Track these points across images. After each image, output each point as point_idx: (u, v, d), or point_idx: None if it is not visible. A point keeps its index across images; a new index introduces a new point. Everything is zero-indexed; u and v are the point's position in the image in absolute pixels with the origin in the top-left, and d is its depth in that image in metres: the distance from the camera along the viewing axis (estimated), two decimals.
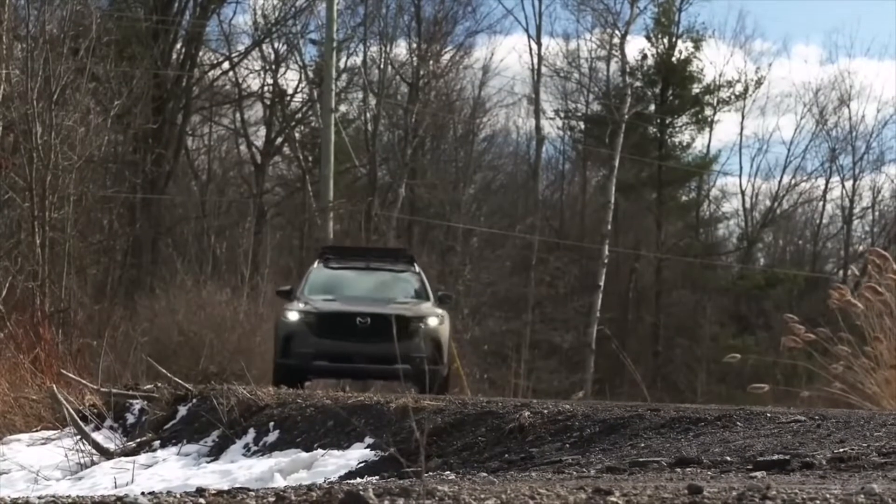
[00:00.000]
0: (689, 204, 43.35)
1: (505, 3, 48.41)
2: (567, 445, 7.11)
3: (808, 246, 44.22)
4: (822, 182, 43.07)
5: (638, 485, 4.51)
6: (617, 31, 40.41)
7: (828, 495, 3.80)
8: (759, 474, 4.91)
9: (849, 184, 42.68)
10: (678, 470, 5.42)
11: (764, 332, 36.74)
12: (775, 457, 5.21)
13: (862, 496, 3.76)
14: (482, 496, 4.03)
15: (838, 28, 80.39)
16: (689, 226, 42.80)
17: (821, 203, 43.39)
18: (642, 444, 6.72)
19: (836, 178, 42.82)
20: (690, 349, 37.23)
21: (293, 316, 15.37)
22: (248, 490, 4.51)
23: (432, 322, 15.27)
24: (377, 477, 6.95)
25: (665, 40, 41.37)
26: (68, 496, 3.83)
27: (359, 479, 7.60)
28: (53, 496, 3.91)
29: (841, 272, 40.22)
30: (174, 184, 35.27)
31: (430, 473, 6.48)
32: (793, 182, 42.89)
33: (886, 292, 13.33)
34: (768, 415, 6.95)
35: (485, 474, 5.87)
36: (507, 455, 7.22)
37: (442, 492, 4.14)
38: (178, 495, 4.53)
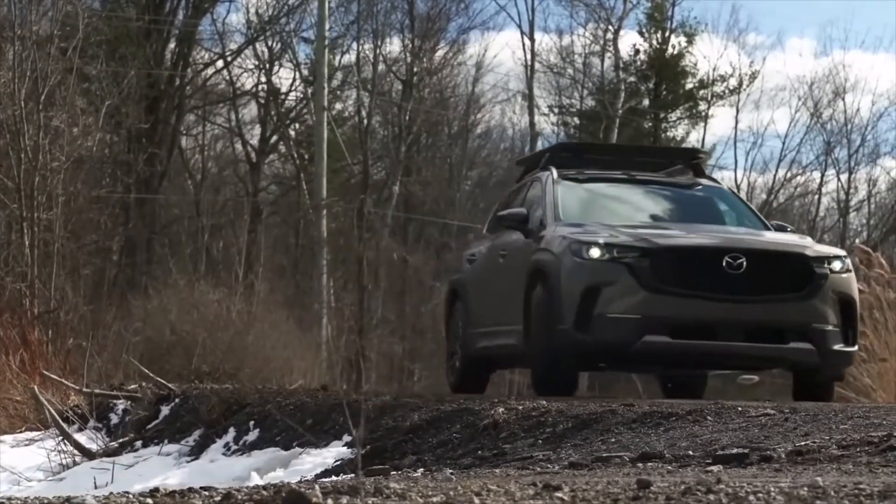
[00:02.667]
0: None
1: None
2: (539, 441, 7.13)
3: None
4: (817, 175, 43.07)
5: (591, 480, 4.52)
6: (610, 27, 40.42)
7: (772, 488, 3.81)
8: (715, 468, 4.92)
9: (844, 177, 42.68)
10: (640, 465, 5.44)
11: None
12: (735, 451, 5.22)
13: (805, 489, 3.77)
14: (429, 493, 4.03)
15: (832, 21, 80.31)
16: None
17: (816, 196, 43.38)
18: (613, 440, 6.74)
19: (831, 172, 42.81)
20: None
21: (596, 252, 9.37)
22: (200, 490, 4.53)
23: (838, 267, 9.66)
24: (352, 475, 6.95)
25: (658, 35, 41.32)
26: (9, 497, 3.83)
27: (334, 478, 7.62)
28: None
29: None
30: (169, 183, 35.27)
31: (397, 472, 6.49)
32: (788, 175, 42.88)
33: (876, 286, 13.34)
34: (739, 409, 6.97)
35: (450, 471, 5.88)
36: (480, 452, 7.25)
37: (392, 489, 4.15)
38: (129, 496, 4.54)
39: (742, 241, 9.76)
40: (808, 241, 10.36)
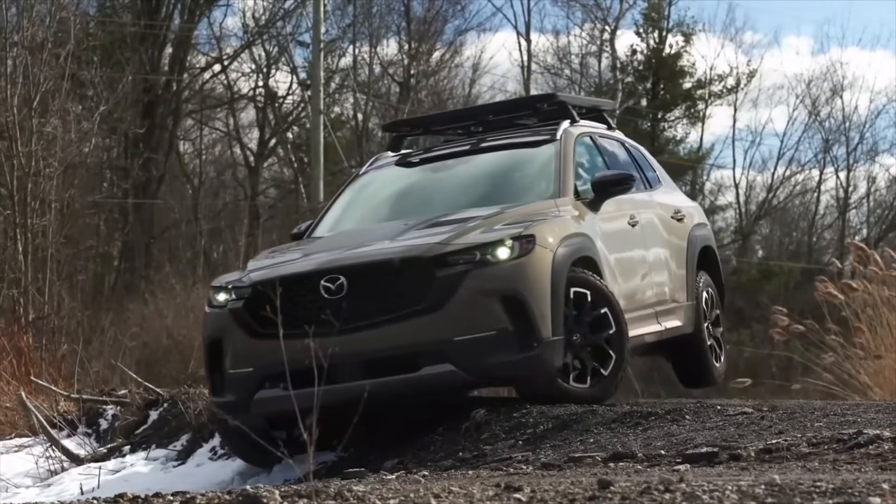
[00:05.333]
0: None
1: (494, 0, 48.22)
2: (520, 442, 7.13)
3: (805, 238, 44.19)
4: (816, 173, 43.07)
5: (557, 480, 4.52)
6: (607, 27, 40.45)
7: (730, 487, 3.81)
8: (682, 468, 4.92)
9: (843, 174, 42.68)
10: (611, 464, 5.45)
11: (759, 324, 36.72)
12: (704, 450, 5.22)
13: (763, 487, 3.77)
14: (388, 496, 4.04)
15: (829, 19, 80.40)
16: None
17: (815, 194, 43.39)
18: (591, 440, 6.74)
19: (830, 169, 42.84)
20: None
21: (221, 298, 8.13)
22: (163, 495, 4.54)
23: (504, 255, 7.71)
24: (339, 478, 6.94)
25: (655, 35, 41.36)
26: None
27: (316, 482, 7.62)
28: None
29: (837, 263, 40.13)
30: (167, 188, 35.30)
31: (374, 475, 6.49)
32: (787, 174, 42.89)
33: (868, 284, 13.34)
34: (717, 407, 6.97)
35: (425, 473, 5.88)
36: (461, 453, 7.24)
37: (353, 492, 4.16)
38: (95, 502, 4.55)
39: (347, 257, 7.89)
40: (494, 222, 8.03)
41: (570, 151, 8.99)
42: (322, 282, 7.64)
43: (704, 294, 10.06)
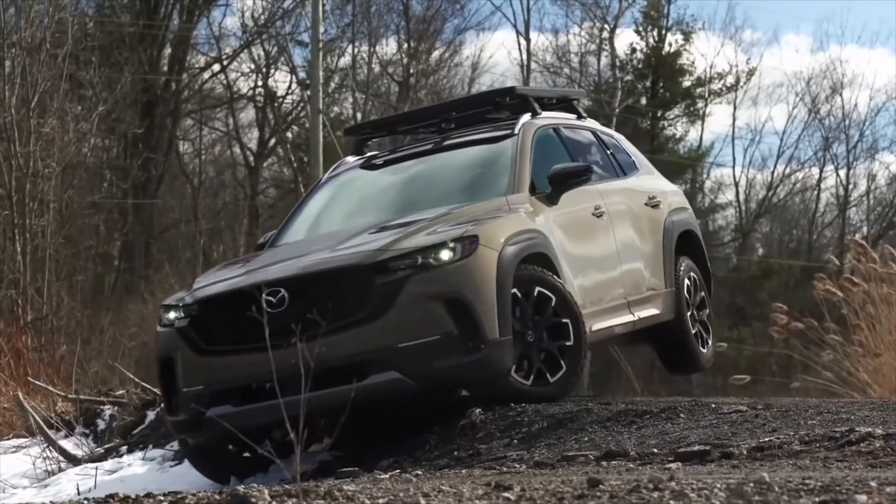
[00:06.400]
0: None
1: None
2: (515, 441, 7.13)
3: (805, 235, 44.19)
4: (816, 171, 43.08)
5: (547, 479, 4.52)
6: (606, 25, 40.45)
7: (718, 485, 3.81)
8: (674, 466, 4.92)
9: (843, 172, 42.69)
10: (604, 463, 5.44)
11: (760, 322, 36.72)
12: (696, 448, 5.22)
13: (752, 485, 3.77)
14: (378, 495, 4.04)
15: (829, 17, 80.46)
16: None
17: (815, 192, 43.39)
18: (586, 439, 6.74)
19: (829, 167, 42.86)
20: None
21: (171, 316, 8.04)
22: (153, 495, 4.54)
23: (446, 257, 7.58)
24: (333, 478, 6.94)
25: (654, 33, 41.38)
26: None
27: (315, 481, 7.62)
28: None
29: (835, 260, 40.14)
30: (167, 188, 35.31)
31: (368, 474, 6.49)
32: (787, 172, 42.89)
33: (864, 282, 13.34)
34: (712, 405, 6.97)
35: (418, 472, 5.89)
36: (456, 453, 7.24)
37: (343, 492, 4.15)
38: (85, 502, 4.55)
39: (287, 269, 7.75)
40: (442, 223, 7.88)
41: (528, 145, 8.88)
42: (264, 296, 7.39)
43: (686, 280, 9.92)
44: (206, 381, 7.77)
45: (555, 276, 8.05)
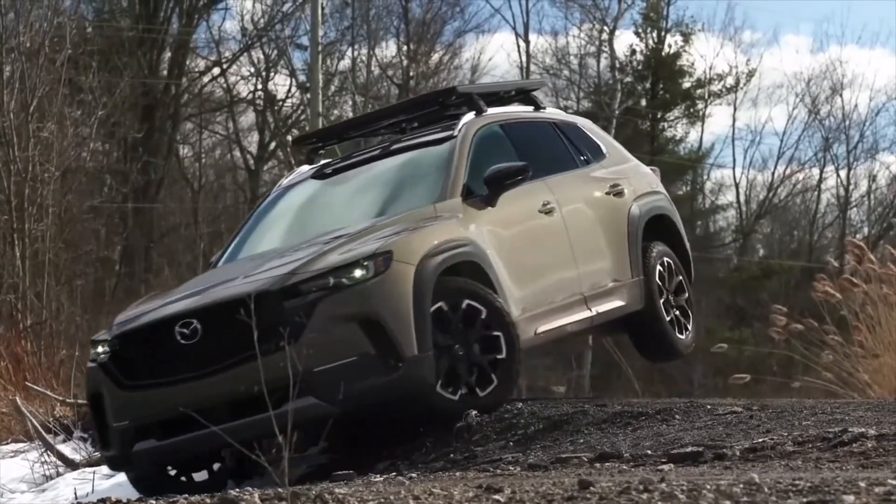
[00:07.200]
0: (683, 198, 43.33)
1: (492, 1, 48.24)
2: (511, 444, 7.14)
3: (805, 236, 44.20)
4: (816, 172, 43.10)
5: (539, 481, 4.52)
6: (605, 27, 40.47)
7: (708, 486, 3.81)
8: (666, 467, 4.92)
9: (843, 173, 42.71)
10: (597, 465, 5.45)
11: (760, 323, 36.70)
12: (689, 449, 5.22)
13: (741, 486, 3.77)
14: (367, 498, 4.04)
15: (829, 17, 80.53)
16: (684, 219, 42.77)
17: (816, 193, 43.40)
18: (581, 441, 6.75)
19: (830, 168, 42.87)
20: None
21: (101, 350, 7.87)
22: (145, 499, 4.54)
23: (359, 275, 7.39)
24: (328, 481, 6.95)
25: (654, 35, 41.41)
26: None
27: (308, 485, 7.63)
28: None
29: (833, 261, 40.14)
30: (167, 192, 35.34)
31: (363, 477, 6.49)
32: (787, 172, 42.91)
33: (863, 283, 13.33)
34: (707, 406, 6.97)
35: (413, 475, 5.89)
36: (452, 455, 7.24)
37: (334, 495, 4.16)
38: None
39: (200, 299, 7.61)
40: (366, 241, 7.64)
41: (466, 147, 8.62)
42: (177, 327, 7.39)
43: (658, 266, 9.59)
44: (131, 416, 7.69)
45: (485, 287, 7.79)
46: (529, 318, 8.12)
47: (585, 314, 8.80)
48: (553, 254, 8.74)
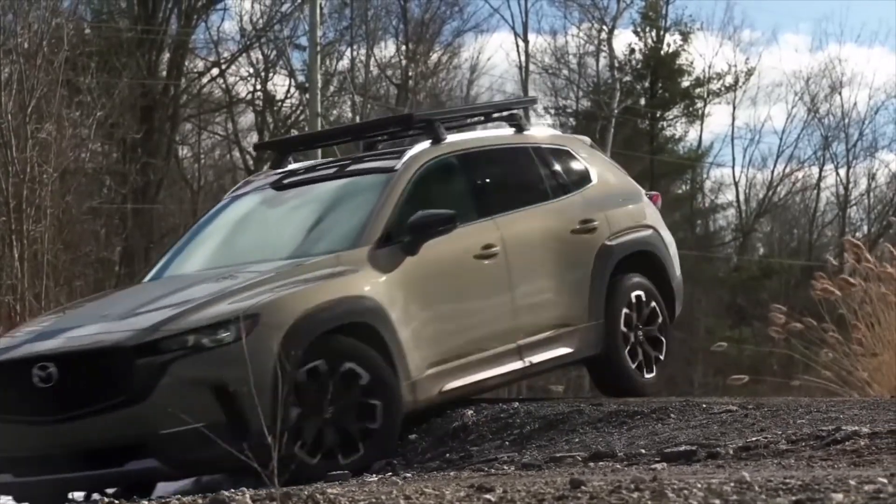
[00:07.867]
0: (682, 196, 43.35)
1: (491, 1, 48.24)
2: (506, 443, 7.15)
3: (805, 235, 44.21)
4: (815, 170, 43.11)
5: (531, 480, 4.53)
6: (604, 26, 40.44)
7: (698, 485, 3.81)
8: (659, 466, 4.92)
9: (843, 171, 42.72)
10: (591, 464, 5.45)
11: (760, 322, 36.70)
12: (682, 448, 5.22)
13: (732, 484, 3.77)
14: (359, 498, 4.04)
15: (827, 16, 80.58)
16: (684, 218, 42.80)
17: (815, 191, 43.41)
18: (577, 440, 6.75)
19: (829, 166, 42.87)
20: (686, 341, 37.24)
21: None
22: (136, 499, 4.55)
23: (218, 338, 7.04)
24: (322, 481, 6.95)
25: (653, 34, 41.40)
26: None
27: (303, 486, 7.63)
28: None
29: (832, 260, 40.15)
30: (166, 192, 35.33)
31: (357, 477, 6.49)
32: (787, 171, 42.92)
33: (863, 282, 13.33)
34: (703, 406, 6.97)
35: (408, 474, 5.90)
36: (448, 455, 7.25)
37: (326, 495, 4.16)
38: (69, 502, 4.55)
39: (60, 341, 7.32)
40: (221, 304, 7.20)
41: (402, 185, 8.09)
42: (34, 369, 7.08)
43: (625, 306, 8.80)
44: None
45: (374, 351, 7.31)
46: (436, 374, 7.69)
47: (515, 366, 8.18)
48: (482, 302, 8.16)
